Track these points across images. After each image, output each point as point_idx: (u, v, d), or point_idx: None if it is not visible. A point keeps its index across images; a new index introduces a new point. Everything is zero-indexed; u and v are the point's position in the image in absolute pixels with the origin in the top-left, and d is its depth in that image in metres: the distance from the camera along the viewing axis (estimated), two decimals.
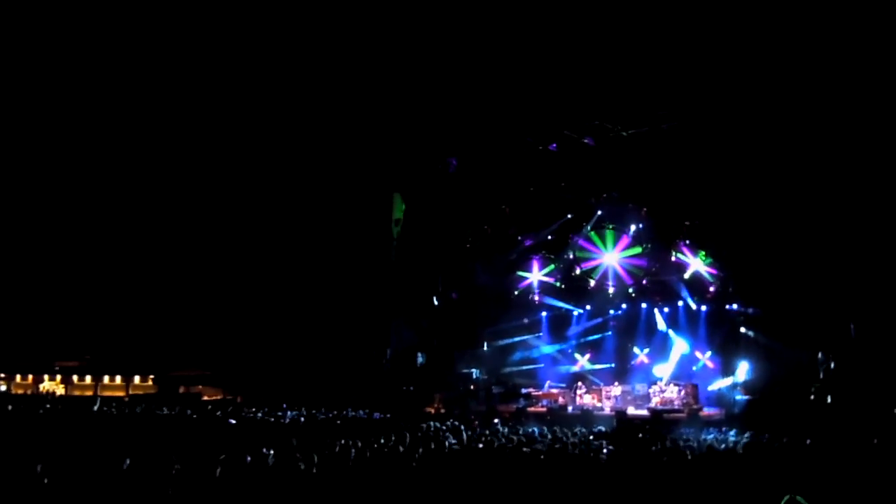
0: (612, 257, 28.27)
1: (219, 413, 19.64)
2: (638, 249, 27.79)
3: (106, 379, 32.34)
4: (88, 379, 32.32)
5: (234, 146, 27.03)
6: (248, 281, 28.66)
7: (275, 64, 23.85)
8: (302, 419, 18.62)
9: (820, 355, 23.38)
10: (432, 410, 25.25)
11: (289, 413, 20.00)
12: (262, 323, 28.41)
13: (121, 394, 30.28)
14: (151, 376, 31.48)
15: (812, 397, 22.65)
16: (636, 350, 28.12)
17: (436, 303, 28.64)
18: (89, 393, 30.94)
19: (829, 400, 22.23)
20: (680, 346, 27.12)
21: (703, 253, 26.60)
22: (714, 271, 26.49)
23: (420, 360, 28.25)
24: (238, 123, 26.23)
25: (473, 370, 28.35)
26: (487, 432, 14.81)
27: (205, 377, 30.38)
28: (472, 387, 27.54)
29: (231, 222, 28.64)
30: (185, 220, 28.89)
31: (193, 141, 27.02)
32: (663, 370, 26.69)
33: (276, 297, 28.30)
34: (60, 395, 29.51)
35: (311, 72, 24.15)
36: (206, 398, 28.11)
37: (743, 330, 25.88)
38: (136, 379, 32.07)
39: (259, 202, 28.28)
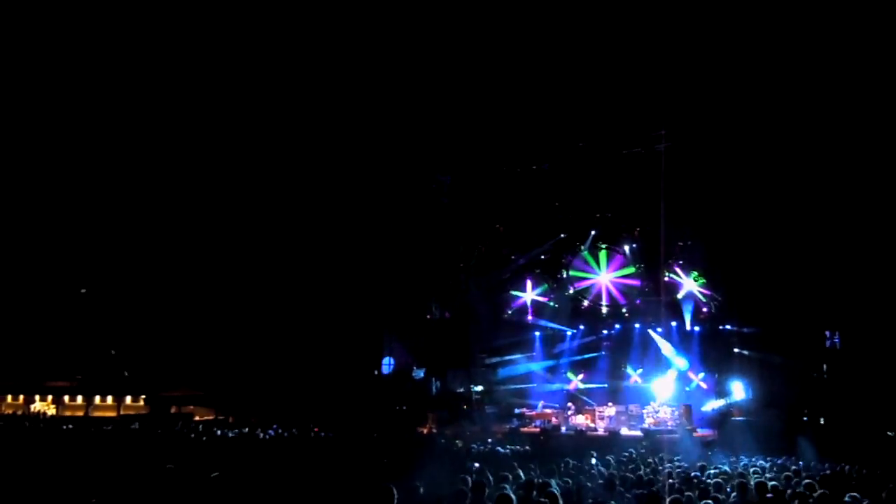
0: (605, 277, 28.39)
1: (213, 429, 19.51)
2: (631, 270, 27.92)
3: (97, 399, 32.11)
4: (80, 399, 32.09)
5: (224, 162, 27.07)
6: (240, 301, 28.56)
7: (272, 75, 23.96)
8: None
9: (814, 375, 23.41)
10: (425, 430, 25.12)
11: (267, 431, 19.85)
12: (254, 343, 28.28)
13: (112, 414, 30.05)
14: (143, 396, 31.27)
15: (805, 419, 22.63)
16: (629, 370, 28.05)
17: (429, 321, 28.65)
18: (80, 413, 30.69)
19: (822, 421, 22.23)
20: (679, 364, 27.02)
21: (696, 273, 26.70)
22: (707, 292, 26.56)
23: (419, 374, 28.15)
24: (230, 143, 26.30)
25: (466, 389, 28.26)
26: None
27: (196, 397, 30.21)
28: (465, 406, 27.41)
29: (224, 242, 28.60)
30: (177, 239, 28.84)
31: (180, 157, 27.05)
32: (663, 388, 26.60)
33: (268, 318, 28.20)
34: (52, 416, 29.33)
35: (311, 86, 24.29)
36: (197, 418, 27.92)
37: (737, 350, 25.87)
38: (128, 399, 31.86)
39: (250, 223, 28.27)
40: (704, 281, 26.54)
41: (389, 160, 26.69)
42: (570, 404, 26.40)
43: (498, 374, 28.96)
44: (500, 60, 22.59)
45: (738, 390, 24.96)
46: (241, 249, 28.55)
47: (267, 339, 28.14)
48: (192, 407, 30.26)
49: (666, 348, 27.25)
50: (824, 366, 23.17)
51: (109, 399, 32.03)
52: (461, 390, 28.20)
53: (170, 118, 25.58)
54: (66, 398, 32.02)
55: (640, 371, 27.83)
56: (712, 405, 25.15)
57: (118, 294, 29.74)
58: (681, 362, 26.94)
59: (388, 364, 28.67)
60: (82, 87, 24.69)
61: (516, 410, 26.81)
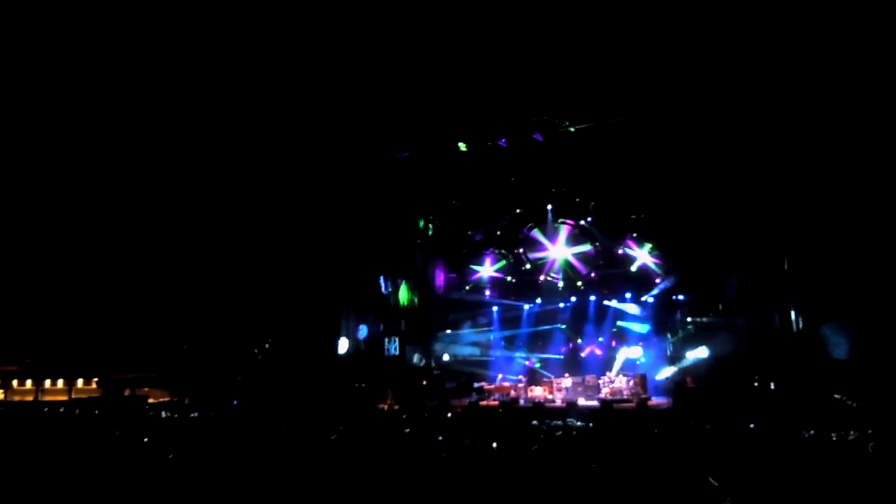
0: (560, 251, 28.71)
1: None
2: (587, 245, 28.32)
3: (47, 383, 31.39)
4: (29, 383, 31.33)
5: (176, 139, 26.43)
6: (192, 280, 28.10)
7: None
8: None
9: (763, 341, 23.99)
10: (385, 406, 25.17)
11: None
12: (208, 322, 27.91)
13: (63, 398, 29.44)
14: (95, 379, 30.65)
15: (756, 384, 23.22)
16: (585, 341, 28.58)
17: (385, 297, 28.58)
18: (30, 398, 30.01)
19: (772, 386, 22.83)
20: (640, 329, 27.56)
21: (650, 245, 27.16)
22: (660, 262, 27.07)
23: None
24: (180, 115, 25.66)
25: (425, 364, 28.42)
26: None
27: (150, 379, 29.71)
28: (424, 382, 27.54)
29: (173, 218, 28.01)
30: (123, 218, 28.15)
31: (136, 137, 26.36)
32: (619, 357, 27.13)
33: (222, 296, 27.82)
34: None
35: (263, 62, 23.80)
36: (152, 400, 27.51)
37: (689, 319, 26.43)
38: (79, 382, 31.19)
39: (200, 197, 27.73)
40: (657, 252, 27.02)
41: (344, 137, 26.43)
42: (521, 377, 26.84)
43: (456, 350, 29.21)
44: (457, 34, 22.44)
45: (693, 354, 25.54)
46: (192, 228, 28.04)
47: (221, 317, 27.80)
48: (146, 389, 29.75)
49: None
50: (776, 317, 23.70)
51: (60, 383, 31.33)
52: (420, 365, 28.33)
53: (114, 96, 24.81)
54: (15, 382, 31.23)
55: (596, 342, 28.35)
56: (664, 373, 25.74)
57: (67, 275, 28.98)
58: (641, 328, 27.50)
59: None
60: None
61: (475, 385, 27.07)
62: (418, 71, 23.66)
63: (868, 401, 18.40)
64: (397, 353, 28.16)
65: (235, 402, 20.64)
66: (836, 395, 19.45)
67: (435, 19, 21.90)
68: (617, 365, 26.87)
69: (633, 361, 27.08)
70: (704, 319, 25.70)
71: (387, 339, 28.30)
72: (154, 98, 24.62)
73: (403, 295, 29.37)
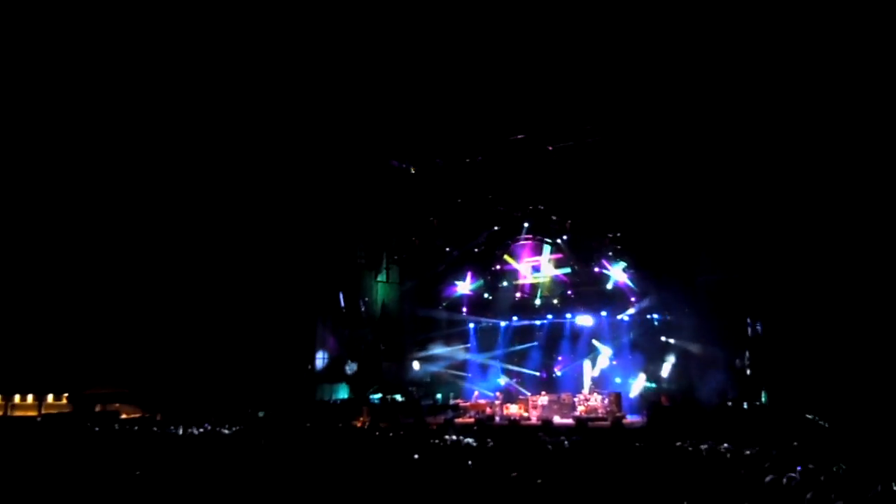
0: (537, 269, 28.86)
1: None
2: (566, 268, 28.47)
3: (17, 398, 30.83)
4: None
5: (140, 149, 26.22)
6: (164, 294, 27.79)
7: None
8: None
9: (736, 362, 24.19)
10: (360, 424, 24.99)
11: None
12: (180, 337, 27.58)
13: (33, 413, 28.93)
14: (65, 395, 30.16)
15: (729, 403, 23.37)
16: (561, 359, 28.62)
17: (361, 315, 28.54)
18: None
19: (745, 406, 22.98)
20: (605, 351, 27.69)
21: (625, 264, 27.31)
22: (635, 280, 27.23)
23: (352, 367, 28.04)
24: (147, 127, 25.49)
25: (401, 381, 28.35)
26: None
27: (122, 395, 29.28)
28: (400, 398, 27.46)
29: (146, 234, 27.71)
30: (95, 231, 27.79)
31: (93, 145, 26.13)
32: (594, 375, 27.17)
33: (194, 310, 27.52)
34: None
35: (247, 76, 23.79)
36: (124, 416, 27.13)
37: (663, 339, 26.58)
38: (49, 398, 30.68)
39: (172, 212, 27.49)
40: (632, 271, 27.19)
41: (322, 151, 26.43)
42: (497, 394, 26.80)
43: (432, 367, 29.15)
44: (436, 52, 22.57)
45: (665, 369, 25.75)
46: (166, 242, 27.78)
47: (194, 332, 27.49)
48: (117, 405, 29.33)
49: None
50: (747, 353, 23.96)
51: (30, 398, 30.79)
52: (395, 382, 28.26)
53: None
54: None
55: (572, 360, 28.38)
56: (636, 387, 25.94)
57: (36, 288, 28.54)
58: (607, 350, 27.60)
59: (322, 359, 28.44)
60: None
61: (451, 402, 27.03)
62: (398, 87, 23.78)
63: (840, 421, 18.56)
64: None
65: (198, 431, 19.88)
66: (808, 416, 19.61)
67: (416, 38, 22.04)
68: (586, 381, 26.96)
69: (608, 379, 27.14)
70: (676, 341, 25.94)
71: (351, 363, 28.31)
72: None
73: (380, 312, 29.38)
